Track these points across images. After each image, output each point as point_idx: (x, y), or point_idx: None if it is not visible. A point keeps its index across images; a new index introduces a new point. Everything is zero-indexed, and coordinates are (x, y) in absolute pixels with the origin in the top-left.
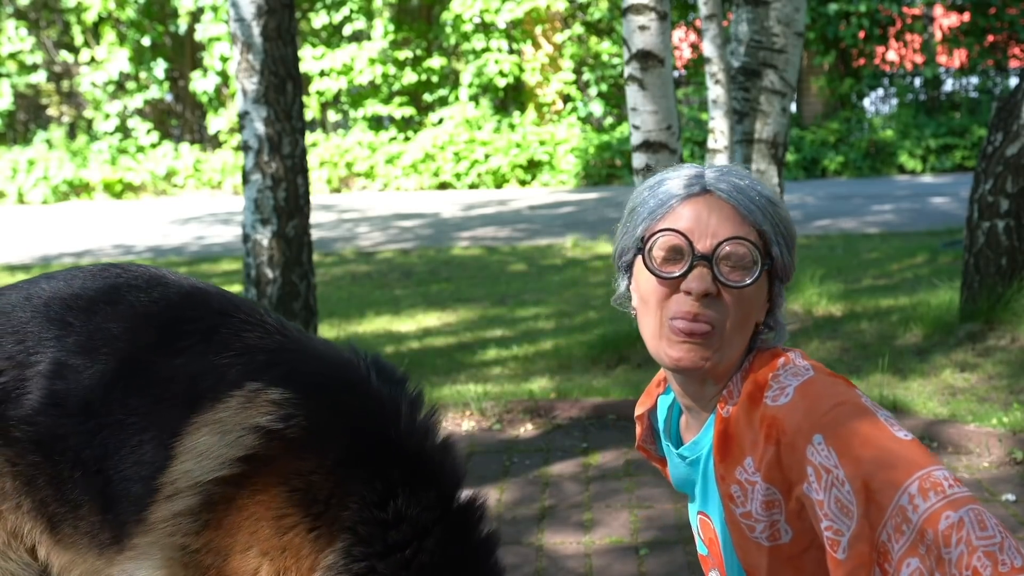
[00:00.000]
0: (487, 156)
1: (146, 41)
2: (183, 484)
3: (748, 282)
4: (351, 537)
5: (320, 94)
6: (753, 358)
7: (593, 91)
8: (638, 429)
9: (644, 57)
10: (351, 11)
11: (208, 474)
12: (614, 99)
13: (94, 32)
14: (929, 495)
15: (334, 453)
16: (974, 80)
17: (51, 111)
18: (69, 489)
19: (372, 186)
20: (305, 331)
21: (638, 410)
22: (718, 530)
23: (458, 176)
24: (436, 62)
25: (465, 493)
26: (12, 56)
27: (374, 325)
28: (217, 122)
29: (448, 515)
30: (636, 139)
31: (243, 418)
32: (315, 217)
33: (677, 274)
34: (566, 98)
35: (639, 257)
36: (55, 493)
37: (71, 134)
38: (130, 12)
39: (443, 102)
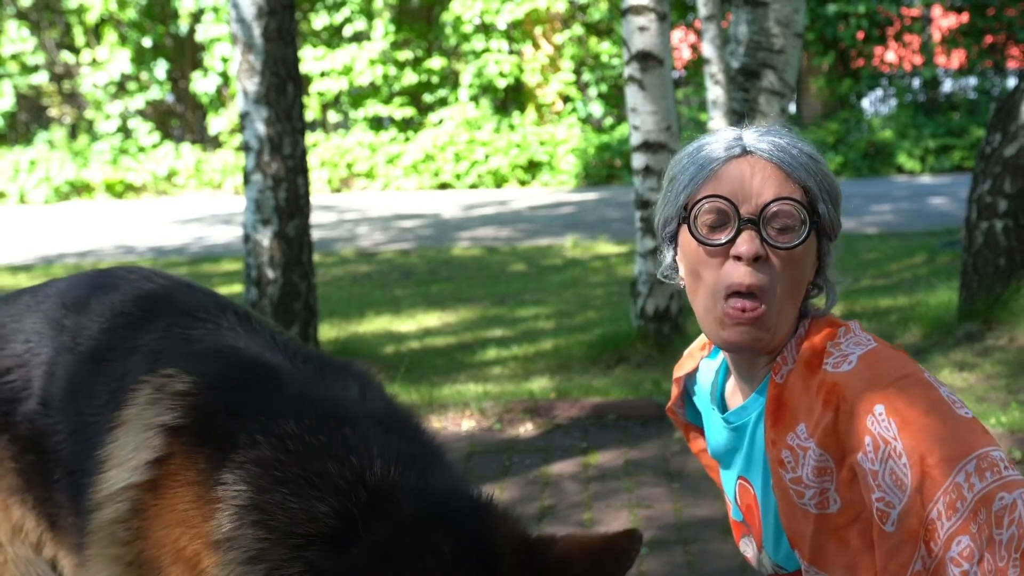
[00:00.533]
0: (487, 156)
1: (147, 42)
2: (110, 490)
3: (797, 242)
4: (230, 499)
5: (321, 95)
6: (809, 325)
7: (593, 92)
8: (674, 391)
9: (644, 58)
10: (351, 12)
11: (127, 479)
12: (614, 100)
13: (95, 33)
14: (986, 475)
15: (228, 441)
16: (972, 81)
17: (52, 112)
18: (55, 490)
19: (372, 186)
20: (267, 325)
21: (677, 372)
22: (759, 496)
23: (458, 176)
24: (436, 63)
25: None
26: (14, 57)
27: (374, 325)
28: (218, 122)
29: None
30: (636, 139)
31: (150, 415)
32: (315, 217)
33: (724, 240)
34: (566, 99)
35: (684, 226)
36: (47, 493)
37: (72, 134)
38: (131, 13)
39: (443, 103)
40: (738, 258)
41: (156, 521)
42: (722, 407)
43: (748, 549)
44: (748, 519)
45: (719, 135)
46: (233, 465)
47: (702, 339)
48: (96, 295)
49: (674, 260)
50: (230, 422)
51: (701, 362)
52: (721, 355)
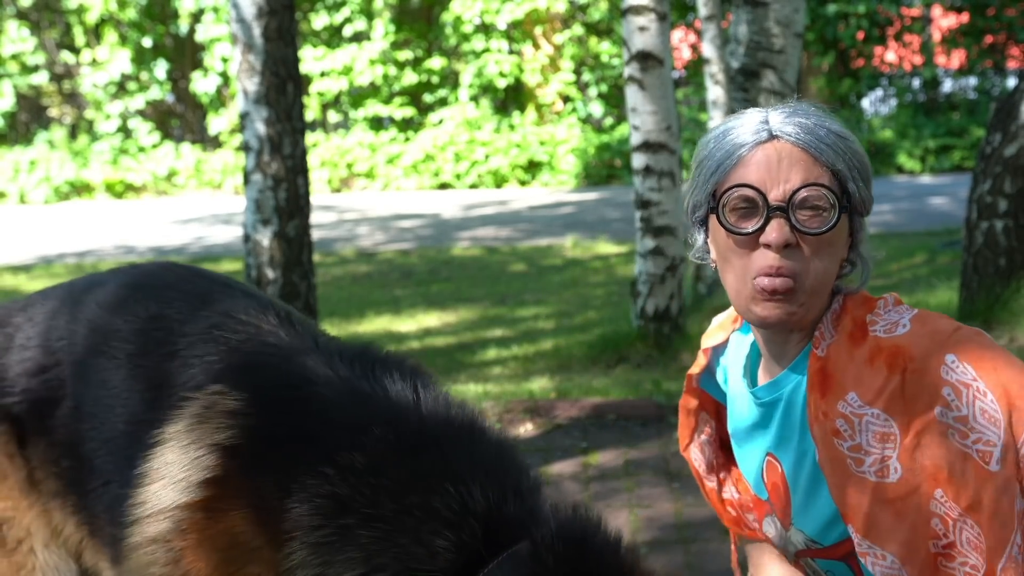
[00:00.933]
0: (487, 156)
1: (147, 42)
2: (154, 508)
3: (828, 227)
4: (304, 531)
5: (321, 95)
6: (844, 300)
7: (593, 92)
8: (701, 359)
9: (644, 58)
10: (351, 12)
11: (176, 499)
12: (614, 100)
13: (95, 33)
14: None
15: (291, 470)
16: (972, 81)
17: (53, 112)
18: (90, 498)
19: (372, 186)
20: (308, 325)
21: (705, 342)
22: (788, 472)
23: (458, 176)
24: (436, 63)
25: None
26: (14, 57)
27: (374, 325)
28: (218, 122)
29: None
30: (636, 139)
31: (201, 434)
32: (315, 217)
33: (752, 229)
34: (566, 99)
35: (713, 214)
36: (83, 500)
37: (72, 134)
38: (131, 13)
39: (443, 103)
40: (768, 246)
41: (206, 543)
42: (752, 384)
43: (771, 528)
44: (775, 497)
45: (746, 118)
46: (303, 496)
47: (733, 312)
48: (131, 294)
49: (705, 243)
50: (289, 448)
51: (733, 335)
52: (752, 333)
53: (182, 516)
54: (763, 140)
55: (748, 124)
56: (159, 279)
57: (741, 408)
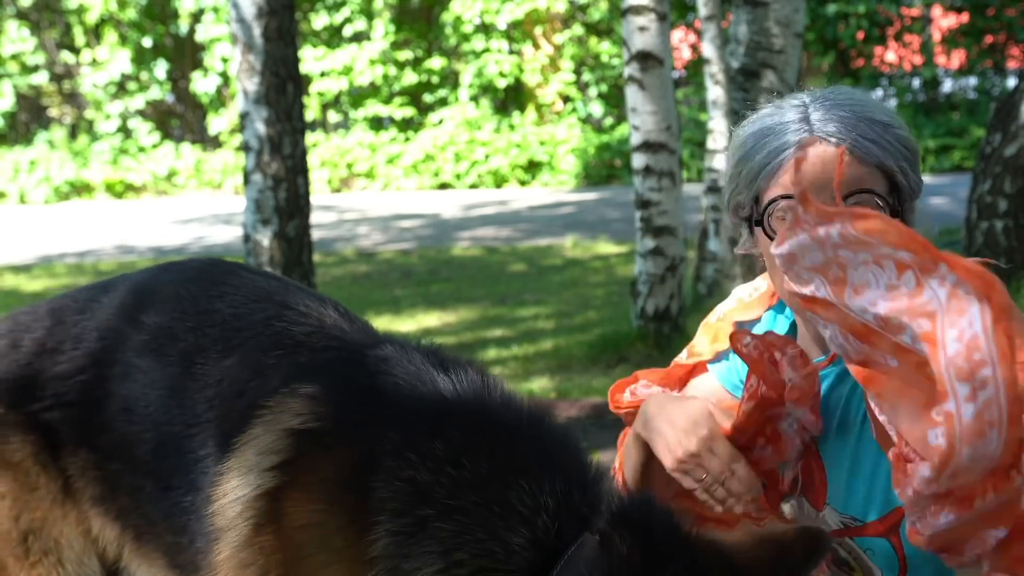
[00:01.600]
0: (487, 156)
1: (147, 42)
2: (232, 512)
3: None
4: (388, 515)
5: (321, 95)
6: None
7: (593, 92)
8: (734, 334)
9: (644, 58)
10: (351, 12)
11: (250, 491)
12: (614, 100)
13: (95, 33)
14: None
15: (372, 448)
16: (972, 81)
17: (52, 112)
18: (144, 502)
19: (372, 186)
20: (368, 324)
21: (736, 316)
22: (831, 454)
23: (458, 176)
24: (436, 63)
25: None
26: (14, 57)
27: (374, 325)
28: (218, 122)
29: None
30: (636, 139)
31: (276, 423)
32: (315, 217)
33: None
34: (566, 99)
35: (759, 225)
36: (133, 504)
37: (72, 134)
38: (131, 13)
39: (443, 103)
40: None
41: (287, 529)
42: None
43: (791, 510)
44: (805, 478)
45: (785, 114)
46: (385, 478)
47: (760, 291)
48: (177, 290)
49: (751, 237)
50: (369, 431)
51: (766, 313)
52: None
53: (260, 507)
54: (805, 143)
55: (788, 123)
56: (205, 274)
57: None
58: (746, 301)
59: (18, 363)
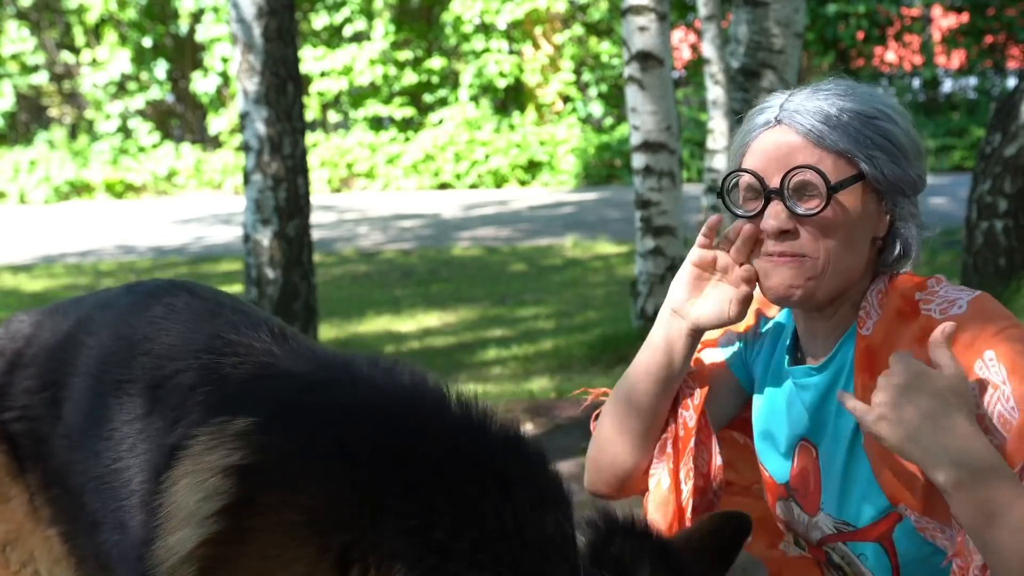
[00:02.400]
0: (487, 156)
1: (147, 42)
2: (174, 560)
3: (819, 209)
4: (406, 560)
5: (321, 95)
6: (890, 279)
7: (593, 92)
8: (751, 321)
9: (644, 58)
10: (351, 12)
11: (193, 541)
12: (614, 100)
13: (95, 33)
14: None
15: (336, 470)
16: (972, 81)
17: (53, 112)
18: (77, 533)
19: (372, 186)
20: (304, 340)
21: (759, 304)
22: (822, 458)
23: (458, 176)
24: (436, 63)
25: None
26: (14, 57)
27: (374, 325)
28: (218, 122)
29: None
30: (636, 139)
31: (211, 461)
32: (316, 217)
33: (753, 213)
34: (566, 99)
35: (719, 198)
36: (71, 531)
37: (72, 134)
38: (131, 13)
39: (443, 103)
40: (764, 231)
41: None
42: (791, 361)
43: (786, 512)
44: (798, 483)
45: (770, 100)
46: (375, 519)
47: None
48: (125, 314)
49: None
50: (325, 464)
51: (763, 319)
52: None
53: (207, 554)
54: (769, 126)
55: (765, 108)
56: (153, 300)
57: (774, 388)
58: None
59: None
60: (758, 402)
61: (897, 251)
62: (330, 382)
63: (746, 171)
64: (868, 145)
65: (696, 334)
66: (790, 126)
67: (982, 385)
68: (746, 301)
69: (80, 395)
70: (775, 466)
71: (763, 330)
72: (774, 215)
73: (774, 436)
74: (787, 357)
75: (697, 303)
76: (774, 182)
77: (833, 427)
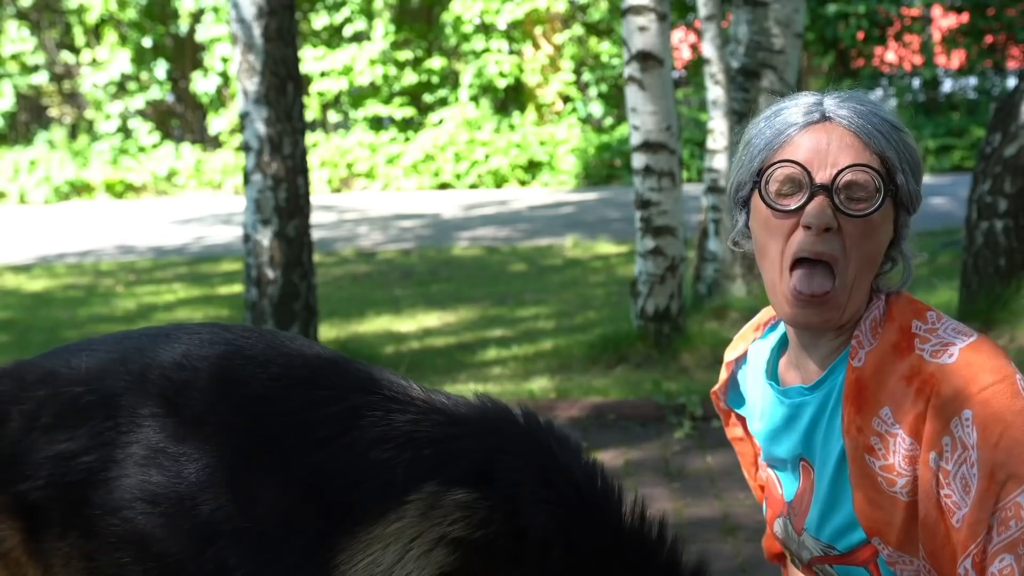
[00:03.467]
0: (487, 156)
1: (147, 42)
2: None
3: (871, 209)
4: None
5: (321, 95)
6: (889, 304)
7: (593, 92)
8: (723, 375)
9: (644, 58)
10: (351, 12)
11: None
12: (614, 100)
13: (95, 33)
14: None
15: (554, 555)
16: (972, 81)
17: (52, 112)
18: None
19: (372, 186)
20: (449, 396)
21: (728, 356)
22: (815, 479)
23: (458, 176)
24: (436, 63)
25: None
26: (14, 57)
27: (374, 325)
28: (218, 122)
29: None
30: (636, 139)
31: (427, 529)
32: (316, 217)
33: (794, 207)
34: (566, 99)
35: (756, 191)
36: None
37: (72, 134)
38: (131, 13)
39: (443, 103)
40: (808, 227)
41: None
42: (775, 382)
43: (781, 530)
44: (797, 501)
45: (799, 99)
46: None
47: (756, 320)
48: (217, 365)
49: (746, 226)
50: (538, 521)
51: (751, 345)
52: (774, 334)
53: None
54: (815, 121)
55: (801, 105)
56: (251, 346)
57: (766, 410)
58: (739, 335)
59: (7, 440)
60: (757, 423)
61: (895, 268)
62: (520, 442)
63: (794, 163)
64: (902, 157)
65: None
66: (840, 124)
67: (953, 443)
68: None
69: (172, 458)
70: (788, 483)
71: (747, 359)
72: (819, 211)
73: (778, 453)
74: (772, 382)
75: None
76: (821, 177)
77: (822, 449)
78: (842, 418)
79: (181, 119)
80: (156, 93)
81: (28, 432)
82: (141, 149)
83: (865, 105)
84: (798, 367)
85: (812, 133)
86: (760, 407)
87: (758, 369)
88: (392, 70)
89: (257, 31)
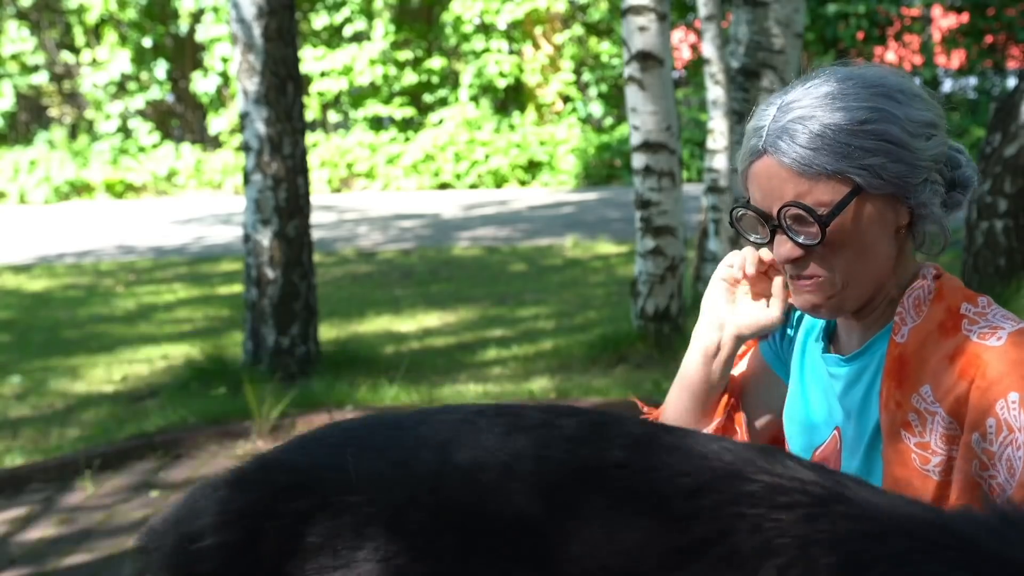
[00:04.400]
0: (487, 156)
1: (147, 42)
2: None
3: (815, 241)
4: None
5: (321, 95)
6: (938, 285)
7: (593, 92)
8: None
9: (644, 58)
10: (351, 12)
11: None
12: (614, 100)
13: (95, 33)
14: None
15: None
16: (972, 81)
17: (53, 112)
18: None
19: (372, 186)
20: (857, 481)
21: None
22: (844, 450)
23: (458, 176)
24: (436, 63)
25: None
26: (14, 57)
27: (374, 325)
28: (218, 122)
29: None
30: (636, 139)
31: None
32: (316, 217)
33: (763, 241)
34: (566, 99)
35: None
36: None
37: (72, 134)
38: (131, 13)
39: (443, 103)
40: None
41: None
42: (825, 348)
43: None
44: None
45: (760, 114)
46: None
47: None
48: (573, 469)
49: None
50: None
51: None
52: None
53: None
54: (757, 155)
55: (751, 132)
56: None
57: (810, 375)
58: None
59: (261, 567)
60: (793, 388)
61: (926, 233)
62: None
63: (748, 207)
64: (861, 156)
65: (737, 344)
66: (774, 156)
67: (999, 424)
68: (785, 301)
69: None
70: (802, 450)
71: (794, 319)
72: (780, 245)
73: (810, 422)
74: (821, 344)
75: (735, 311)
76: (773, 211)
77: (856, 422)
78: (880, 392)
79: (181, 119)
80: (156, 93)
81: (289, 556)
82: (141, 149)
83: (815, 113)
84: (842, 337)
85: (757, 169)
86: (801, 372)
87: (808, 331)
88: (392, 70)
89: (257, 31)
